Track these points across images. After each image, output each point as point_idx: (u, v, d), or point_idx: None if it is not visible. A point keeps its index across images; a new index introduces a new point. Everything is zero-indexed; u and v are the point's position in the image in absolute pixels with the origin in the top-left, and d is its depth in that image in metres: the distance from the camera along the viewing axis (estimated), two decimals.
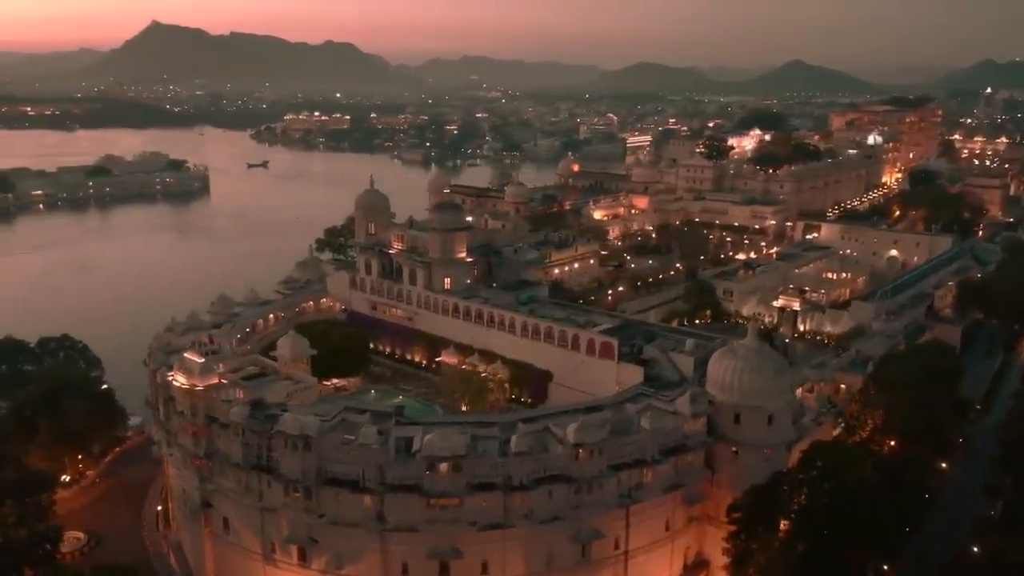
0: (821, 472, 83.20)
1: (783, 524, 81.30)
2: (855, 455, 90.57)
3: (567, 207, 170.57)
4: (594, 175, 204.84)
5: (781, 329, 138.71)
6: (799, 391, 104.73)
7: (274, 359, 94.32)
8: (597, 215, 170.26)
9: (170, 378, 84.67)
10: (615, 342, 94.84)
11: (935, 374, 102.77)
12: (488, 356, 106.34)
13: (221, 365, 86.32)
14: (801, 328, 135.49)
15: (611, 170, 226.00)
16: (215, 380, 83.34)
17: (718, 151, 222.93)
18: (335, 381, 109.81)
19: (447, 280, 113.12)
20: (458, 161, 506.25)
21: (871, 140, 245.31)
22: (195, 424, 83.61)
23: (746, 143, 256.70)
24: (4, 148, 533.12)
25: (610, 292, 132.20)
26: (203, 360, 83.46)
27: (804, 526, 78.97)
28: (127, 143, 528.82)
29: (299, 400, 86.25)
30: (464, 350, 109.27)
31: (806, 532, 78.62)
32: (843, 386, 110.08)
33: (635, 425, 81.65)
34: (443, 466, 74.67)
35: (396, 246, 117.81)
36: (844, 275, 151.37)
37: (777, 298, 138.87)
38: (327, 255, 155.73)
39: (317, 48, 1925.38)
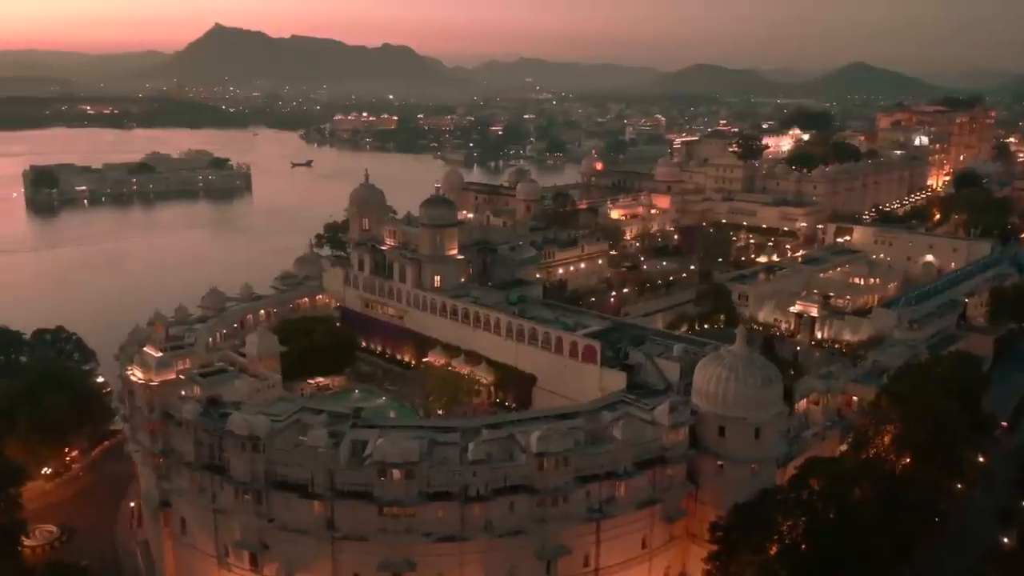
0: (813, 491, 76.96)
1: (770, 546, 75.21)
2: (853, 474, 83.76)
3: (584, 206, 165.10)
4: (618, 174, 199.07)
5: (798, 336, 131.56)
6: (804, 403, 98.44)
7: None
8: (614, 215, 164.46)
9: (128, 373, 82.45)
10: (597, 346, 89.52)
11: (954, 388, 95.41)
12: (474, 358, 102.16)
13: (179, 361, 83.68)
14: (819, 335, 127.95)
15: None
16: (172, 376, 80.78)
17: (752, 151, 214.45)
18: (319, 380, 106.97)
19: (437, 278, 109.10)
20: (500, 162, 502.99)
21: (917, 141, 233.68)
22: (152, 421, 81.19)
23: (784, 143, 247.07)
24: (61, 145, 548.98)
25: (613, 294, 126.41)
26: (160, 355, 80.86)
27: (790, 549, 72.72)
28: (180, 141, 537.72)
29: (263, 398, 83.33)
30: (451, 351, 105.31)
31: (792, 556, 72.33)
32: (855, 398, 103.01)
33: (609, 434, 76.71)
34: (395, 473, 70.66)
35: (388, 242, 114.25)
36: (873, 280, 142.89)
37: (794, 303, 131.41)
38: (327, 251, 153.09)
39: (374, 51, 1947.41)
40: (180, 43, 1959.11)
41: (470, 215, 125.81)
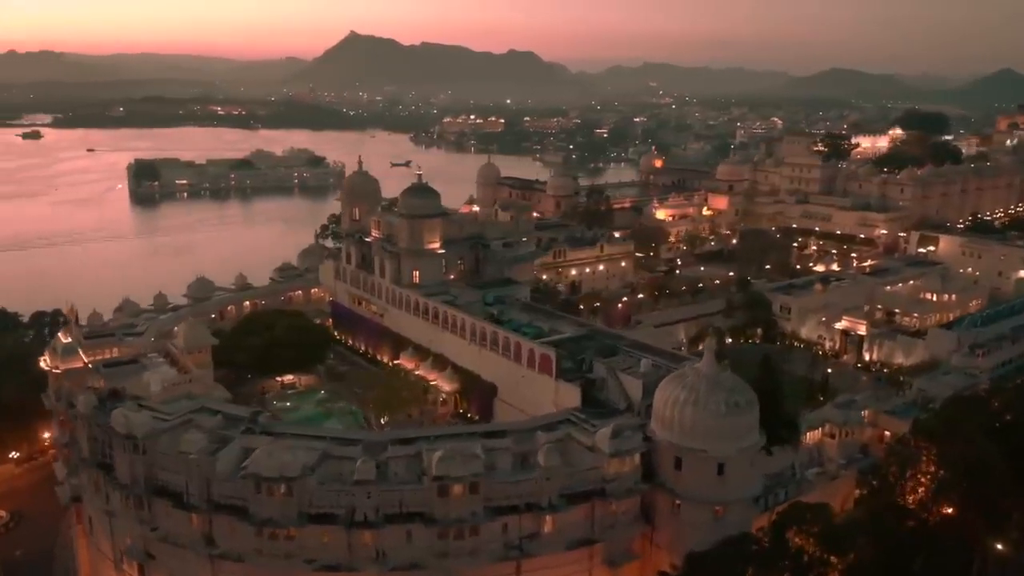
0: (788, 548, 63.53)
1: None
2: (847, 528, 69.31)
3: (627, 204, 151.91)
4: (677, 171, 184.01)
5: (844, 356, 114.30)
6: (817, 435, 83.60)
7: None
8: (660, 215, 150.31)
9: (41, 360, 77.82)
10: (553, 355, 77.65)
11: (1004, 427, 78.47)
12: (441, 362, 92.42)
13: (103, 350, 78.49)
14: (867, 356, 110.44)
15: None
16: (79, 364, 75.52)
17: (839, 150, 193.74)
18: (287, 378, 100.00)
19: (415, 273, 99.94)
20: (600, 163, 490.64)
21: None
22: (61, 411, 76.35)
23: (882, 144, 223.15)
24: (186, 141, 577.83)
25: (624, 299, 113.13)
26: (67, 342, 75.66)
27: None
28: (296, 141, 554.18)
29: (177, 393, 76.78)
30: (422, 353, 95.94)
31: None
32: (887, 433, 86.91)
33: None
34: (273, 488, 62.05)
35: (374, 233, 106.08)
36: (947, 297, 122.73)
37: (840, 319, 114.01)
38: (332, 243, 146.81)
39: (500, 57, 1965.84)
40: (318, 50, 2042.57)
41: (474, 208, 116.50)
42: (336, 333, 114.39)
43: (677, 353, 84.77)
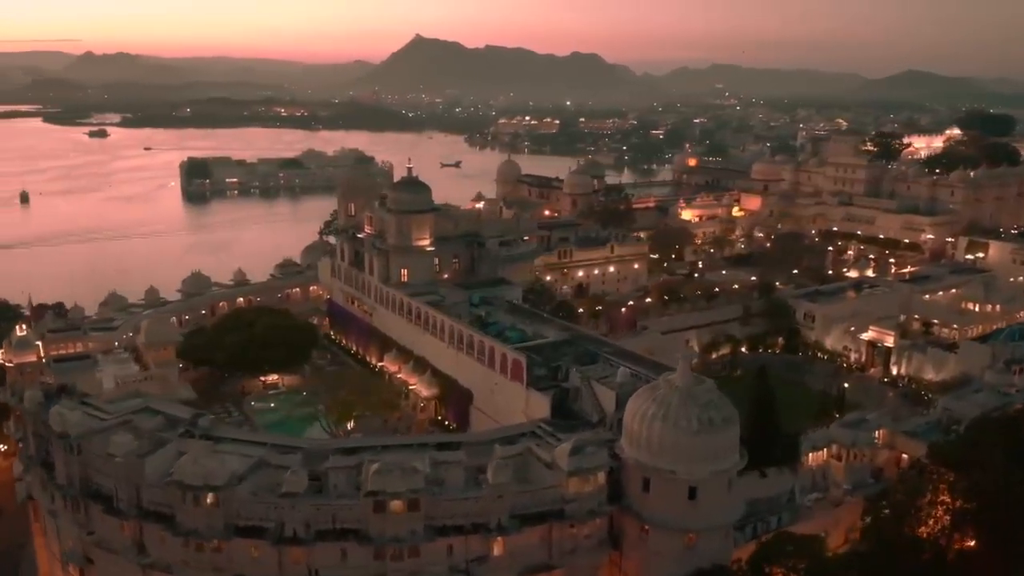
0: None
1: None
2: (843, 562, 62.49)
3: (651, 203, 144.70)
4: (711, 171, 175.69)
5: (872, 369, 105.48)
6: (821, 456, 76.38)
7: None
8: (686, 215, 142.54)
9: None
10: (523, 360, 71.83)
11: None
12: (422, 366, 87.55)
13: (65, 344, 75.90)
14: (895, 370, 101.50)
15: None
16: (32, 358, 72.93)
17: (889, 150, 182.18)
18: (270, 378, 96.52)
19: (404, 272, 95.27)
20: (654, 164, 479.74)
21: None
22: (15, 406, 73.94)
23: (937, 144, 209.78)
24: (246, 141, 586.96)
25: (630, 303, 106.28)
26: (22, 334, 73.21)
27: None
28: (354, 141, 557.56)
29: (131, 390, 73.71)
30: (405, 355, 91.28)
31: None
32: (905, 456, 79.12)
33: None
34: (199, 497, 57.97)
35: (367, 230, 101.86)
36: (991, 307, 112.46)
37: (867, 329, 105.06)
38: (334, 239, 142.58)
39: (563, 59, 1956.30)
40: (385, 54, 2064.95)
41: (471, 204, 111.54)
42: (332, 332, 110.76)
43: (661, 363, 78.05)
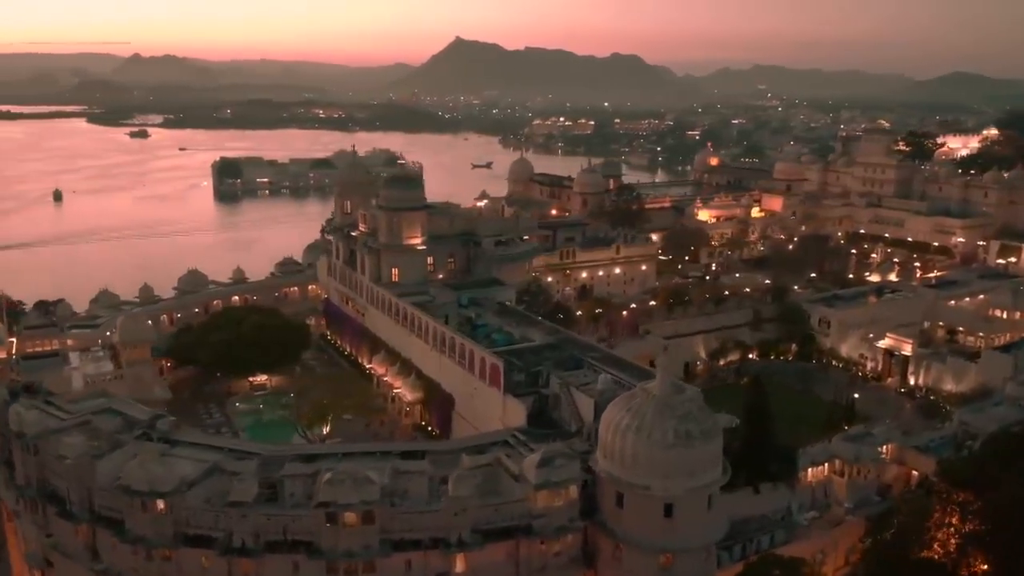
0: None
1: None
2: None
3: (667, 203, 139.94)
4: (734, 170, 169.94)
5: (889, 379, 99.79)
6: (821, 471, 71.77)
7: None
8: (703, 216, 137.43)
9: None
10: (501, 365, 68.20)
11: None
12: (407, 368, 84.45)
13: (42, 341, 74.26)
14: (912, 380, 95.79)
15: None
16: (2, 355, 71.40)
17: (922, 150, 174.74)
18: (258, 378, 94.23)
19: (394, 271, 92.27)
20: (688, 166, 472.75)
21: None
22: None
23: (973, 144, 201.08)
24: (283, 142, 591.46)
25: (632, 306, 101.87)
26: None
27: None
28: (390, 142, 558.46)
29: (98, 389, 71.77)
30: (393, 357, 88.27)
31: None
32: (915, 472, 74.18)
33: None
34: (149, 503, 55.59)
35: (360, 228, 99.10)
36: (1020, 314, 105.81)
37: (883, 336, 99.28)
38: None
39: (603, 60, 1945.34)
40: (425, 56, 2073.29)
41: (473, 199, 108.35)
42: (327, 333, 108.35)
43: (650, 369, 73.86)
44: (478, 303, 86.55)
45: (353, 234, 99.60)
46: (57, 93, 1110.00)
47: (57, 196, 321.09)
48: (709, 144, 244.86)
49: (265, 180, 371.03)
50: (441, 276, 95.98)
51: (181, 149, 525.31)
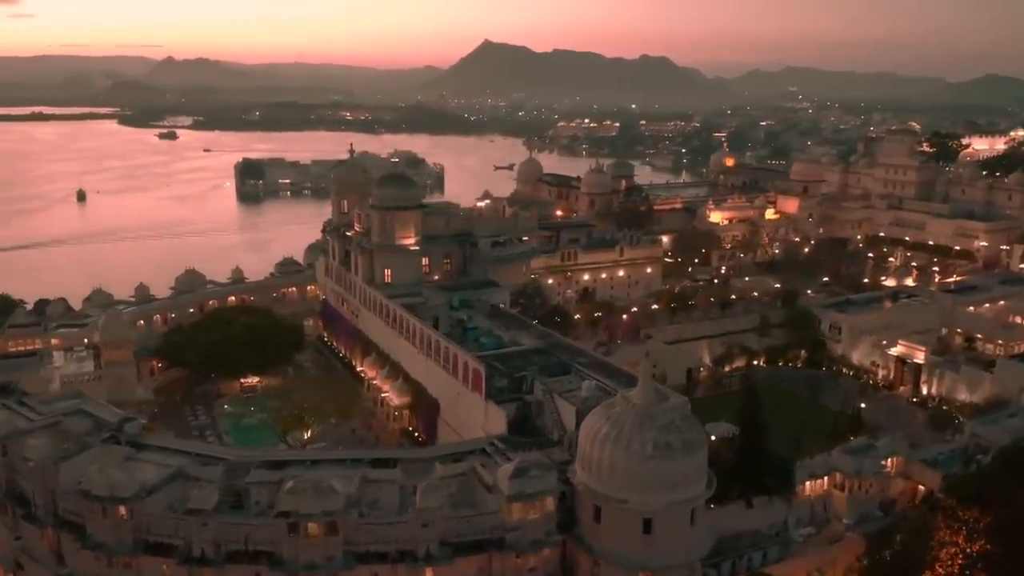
0: None
1: None
2: None
3: (678, 204, 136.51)
4: (750, 171, 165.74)
5: (901, 388, 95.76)
6: (821, 485, 68.53)
7: None
8: (715, 217, 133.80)
9: None
10: (483, 369, 65.65)
11: None
12: (396, 372, 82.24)
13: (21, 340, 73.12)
14: (925, 390, 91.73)
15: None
16: None
17: (946, 151, 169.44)
18: (250, 380, 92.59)
19: (387, 272, 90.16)
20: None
21: None
22: None
23: (999, 145, 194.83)
24: (308, 144, 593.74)
25: (633, 310, 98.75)
26: None
27: None
28: (415, 144, 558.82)
29: (73, 391, 70.53)
30: (382, 360, 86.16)
31: None
32: (921, 487, 70.67)
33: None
34: (110, 509, 54.07)
35: (355, 228, 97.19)
36: None
37: (896, 344, 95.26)
38: None
39: (632, 62, 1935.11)
40: (454, 59, 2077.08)
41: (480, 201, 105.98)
42: (324, 334, 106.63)
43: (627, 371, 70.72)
44: (470, 305, 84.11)
45: (348, 234, 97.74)
46: (91, 95, 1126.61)
47: (80, 196, 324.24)
48: (725, 144, 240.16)
49: (287, 181, 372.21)
50: (437, 277, 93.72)
51: (206, 150, 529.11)
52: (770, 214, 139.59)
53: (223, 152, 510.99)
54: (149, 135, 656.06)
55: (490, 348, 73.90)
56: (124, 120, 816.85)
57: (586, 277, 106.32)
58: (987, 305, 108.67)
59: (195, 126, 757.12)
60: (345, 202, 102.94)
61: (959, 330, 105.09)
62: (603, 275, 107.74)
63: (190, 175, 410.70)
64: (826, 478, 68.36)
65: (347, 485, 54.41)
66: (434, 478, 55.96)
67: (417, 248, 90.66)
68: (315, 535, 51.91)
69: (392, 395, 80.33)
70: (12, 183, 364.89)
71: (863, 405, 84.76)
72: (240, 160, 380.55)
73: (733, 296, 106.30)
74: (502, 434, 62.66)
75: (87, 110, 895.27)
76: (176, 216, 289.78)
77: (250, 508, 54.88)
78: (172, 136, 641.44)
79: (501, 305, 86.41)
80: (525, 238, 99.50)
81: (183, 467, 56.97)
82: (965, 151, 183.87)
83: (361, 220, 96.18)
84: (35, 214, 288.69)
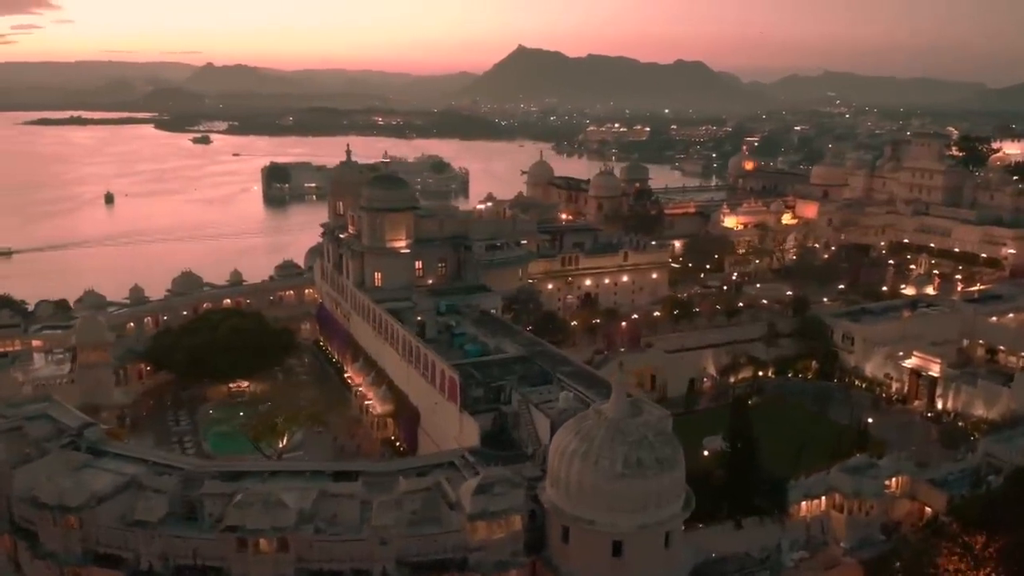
0: None
1: None
2: None
3: (691, 209, 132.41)
4: (770, 175, 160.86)
5: (916, 402, 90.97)
6: (820, 503, 64.81)
7: None
8: (729, 222, 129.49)
9: None
10: (458, 378, 62.70)
11: None
12: (380, 379, 79.67)
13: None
14: (940, 404, 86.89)
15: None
16: None
17: (976, 156, 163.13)
18: (237, 384, 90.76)
19: (377, 275, 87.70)
20: None
21: None
22: None
23: None
24: (339, 149, 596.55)
25: (634, 317, 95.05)
26: None
27: None
28: (445, 149, 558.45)
29: (44, 393, 69.15)
30: (369, 366, 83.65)
31: None
32: (928, 509, 66.55)
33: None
34: (60, 518, 52.23)
35: (349, 230, 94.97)
36: None
37: (911, 355, 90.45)
38: None
39: (667, 67, 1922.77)
40: (488, 64, 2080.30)
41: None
42: (320, 338, 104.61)
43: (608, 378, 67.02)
44: (457, 310, 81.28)
45: (342, 236, 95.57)
46: (132, 100, 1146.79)
47: (108, 199, 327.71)
48: (744, 148, 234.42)
49: (312, 185, 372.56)
50: (431, 281, 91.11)
51: (235, 155, 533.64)
52: (787, 219, 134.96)
53: (253, 156, 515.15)
54: (183, 139, 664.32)
55: (474, 355, 71.09)
56: (160, 125, 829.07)
57: (588, 282, 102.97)
58: (1011, 315, 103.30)
59: (229, 131, 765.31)
60: (341, 204, 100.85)
61: (981, 341, 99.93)
62: (606, 280, 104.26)
63: (219, 179, 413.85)
64: (823, 498, 64.54)
65: (302, 499, 51.96)
66: (396, 493, 53.25)
67: (408, 251, 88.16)
68: (266, 551, 49.46)
69: (375, 403, 77.79)
70: (44, 185, 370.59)
71: (870, 420, 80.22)
72: (267, 164, 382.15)
73: (741, 303, 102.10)
74: (475, 447, 59.72)
75: (125, 115, 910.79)
76: (201, 219, 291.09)
77: (204, 521, 52.70)
78: (206, 140, 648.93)
79: (492, 311, 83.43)
80: (523, 242, 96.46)
81: (137, 476, 54.81)
82: (995, 156, 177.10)
83: (354, 222, 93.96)
84: (62, 216, 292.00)
